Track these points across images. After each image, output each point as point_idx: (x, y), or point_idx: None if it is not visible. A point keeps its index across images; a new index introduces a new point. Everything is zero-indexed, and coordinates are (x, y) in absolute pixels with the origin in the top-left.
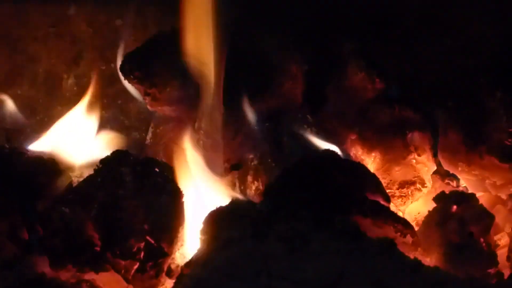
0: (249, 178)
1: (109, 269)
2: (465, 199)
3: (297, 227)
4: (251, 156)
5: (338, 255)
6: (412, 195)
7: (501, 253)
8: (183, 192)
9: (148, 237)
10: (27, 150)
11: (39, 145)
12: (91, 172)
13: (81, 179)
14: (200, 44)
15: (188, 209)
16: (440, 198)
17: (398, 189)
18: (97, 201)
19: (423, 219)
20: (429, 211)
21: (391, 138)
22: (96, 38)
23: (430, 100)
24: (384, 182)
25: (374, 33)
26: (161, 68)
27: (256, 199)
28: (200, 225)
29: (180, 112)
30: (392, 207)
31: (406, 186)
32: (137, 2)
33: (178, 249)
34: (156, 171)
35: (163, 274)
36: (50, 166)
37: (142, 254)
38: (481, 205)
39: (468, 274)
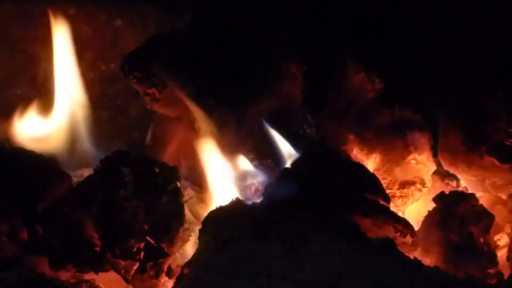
0: (249, 178)
1: (109, 269)
2: (465, 199)
3: (297, 227)
4: (251, 156)
5: (338, 255)
6: (413, 195)
7: (501, 253)
8: None
9: (148, 237)
10: (28, 150)
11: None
12: (91, 172)
13: (81, 179)
14: None
15: None
16: (440, 198)
17: (398, 189)
18: (97, 201)
19: (423, 219)
20: (429, 211)
21: (391, 138)
22: (96, 38)
23: (430, 100)
24: (384, 182)
25: (374, 33)
26: (161, 68)
27: (256, 199)
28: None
29: (180, 112)
30: (392, 207)
31: (406, 186)
32: (137, 2)
33: (178, 249)
34: (156, 171)
35: (163, 274)
36: (50, 166)
37: (142, 254)
38: (481, 205)
39: (468, 274)
